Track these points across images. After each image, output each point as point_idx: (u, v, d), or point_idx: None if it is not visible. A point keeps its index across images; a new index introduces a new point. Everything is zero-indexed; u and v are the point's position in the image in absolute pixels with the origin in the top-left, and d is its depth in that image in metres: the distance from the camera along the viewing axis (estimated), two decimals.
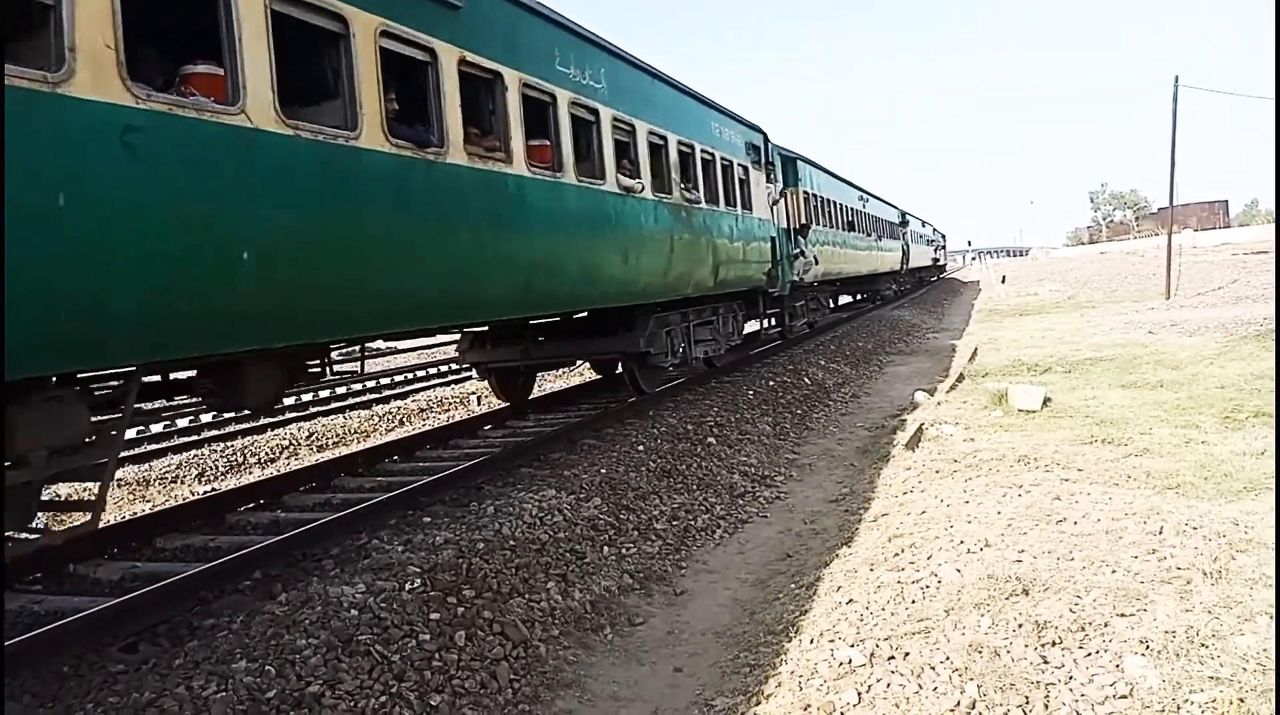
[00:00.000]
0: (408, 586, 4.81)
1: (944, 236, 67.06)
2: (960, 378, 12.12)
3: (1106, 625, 3.86)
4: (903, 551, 5.28)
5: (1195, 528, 4.88)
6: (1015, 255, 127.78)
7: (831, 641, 4.26)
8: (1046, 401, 9.21)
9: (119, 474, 9.59)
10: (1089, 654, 3.68)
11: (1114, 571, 4.40)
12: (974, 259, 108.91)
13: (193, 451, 10.74)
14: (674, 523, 7.14)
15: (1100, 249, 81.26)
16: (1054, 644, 3.78)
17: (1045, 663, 3.66)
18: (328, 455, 10.55)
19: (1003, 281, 44.52)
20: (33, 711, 3.77)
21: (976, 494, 6.18)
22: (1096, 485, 6.03)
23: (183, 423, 12.75)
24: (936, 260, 56.16)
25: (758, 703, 4.05)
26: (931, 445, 8.18)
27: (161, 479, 9.74)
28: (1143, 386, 10.15)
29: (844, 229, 22.38)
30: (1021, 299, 32.25)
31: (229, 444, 11.08)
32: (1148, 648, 3.64)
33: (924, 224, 49.85)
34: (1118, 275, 37.59)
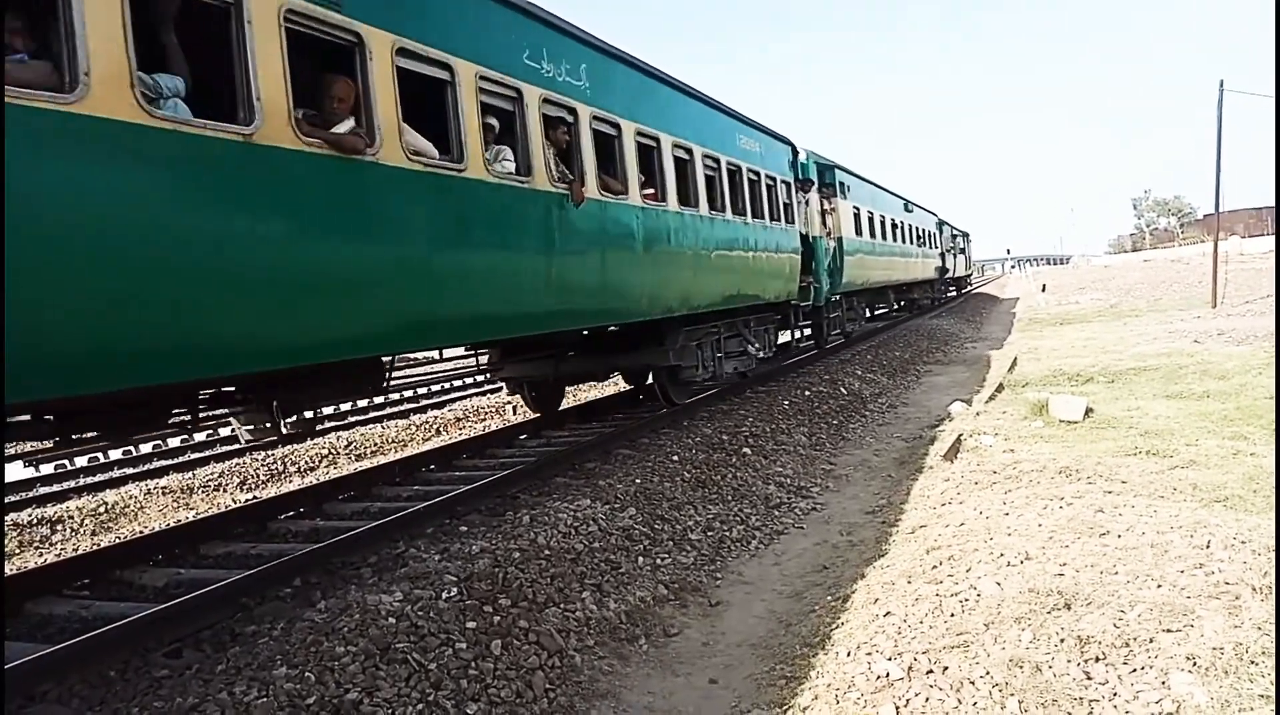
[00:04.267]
0: (444, 595, 4.85)
1: (965, 236, 48.56)
2: (999, 388, 11.95)
3: (1152, 641, 3.78)
4: (941, 564, 5.21)
5: (1244, 542, 4.76)
6: (1056, 263, 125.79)
7: (869, 654, 4.22)
8: (1088, 412, 9.04)
9: (163, 482, 9.81)
10: (1134, 670, 3.60)
11: (1159, 586, 4.31)
12: (1013, 267, 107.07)
13: (235, 460, 10.93)
14: (709, 533, 7.12)
15: (1144, 257, 79.75)
16: (1097, 659, 3.71)
17: (1088, 679, 3.59)
18: (366, 464, 10.68)
19: (1043, 290, 43.81)
20: (80, 714, 3.86)
21: (1017, 506, 6.09)
22: (1141, 498, 5.90)
23: (224, 432, 13.01)
24: (945, 270, 37.86)
25: None
26: (970, 456, 8.07)
27: (205, 487, 9.92)
28: (1188, 397, 9.92)
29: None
30: (1062, 307, 31.66)
31: (270, 453, 11.25)
32: (1195, 664, 3.56)
33: (910, 207, 28.21)
34: (1162, 283, 36.83)
